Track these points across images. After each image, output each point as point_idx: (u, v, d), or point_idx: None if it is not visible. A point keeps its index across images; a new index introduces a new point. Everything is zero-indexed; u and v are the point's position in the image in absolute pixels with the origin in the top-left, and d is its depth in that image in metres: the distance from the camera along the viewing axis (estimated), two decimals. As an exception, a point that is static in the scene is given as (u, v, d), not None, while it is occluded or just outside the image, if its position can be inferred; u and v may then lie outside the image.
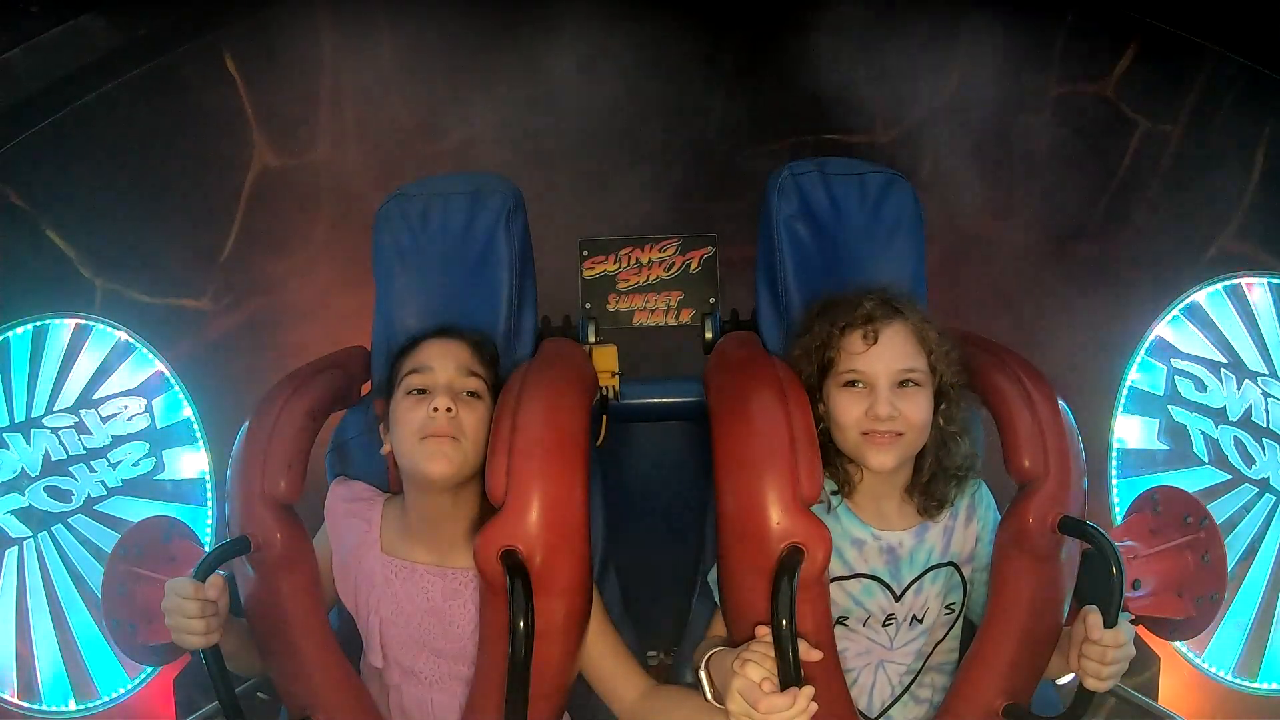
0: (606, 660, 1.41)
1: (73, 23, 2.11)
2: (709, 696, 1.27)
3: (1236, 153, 2.35)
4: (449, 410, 1.36)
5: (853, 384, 1.38)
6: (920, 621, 1.45)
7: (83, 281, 2.37)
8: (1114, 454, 2.37)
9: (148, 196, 2.43)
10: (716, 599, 1.44)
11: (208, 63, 2.48)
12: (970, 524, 1.47)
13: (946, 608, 1.47)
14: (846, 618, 1.43)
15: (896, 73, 2.61)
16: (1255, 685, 2.14)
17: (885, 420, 1.34)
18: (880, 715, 1.48)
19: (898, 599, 1.44)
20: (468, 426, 1.38)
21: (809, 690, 1.13)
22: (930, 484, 1.43)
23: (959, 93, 2.61)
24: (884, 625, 1.44)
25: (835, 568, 1.40)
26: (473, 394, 1.42)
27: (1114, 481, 2.36)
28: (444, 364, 1.42)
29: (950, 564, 1.46)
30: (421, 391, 1.40)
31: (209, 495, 2.30)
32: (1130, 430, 2.36)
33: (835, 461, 1.43)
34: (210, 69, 2.49)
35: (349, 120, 2.61)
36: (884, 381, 1.36)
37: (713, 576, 1.47)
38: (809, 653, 1.22)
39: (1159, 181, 2.49)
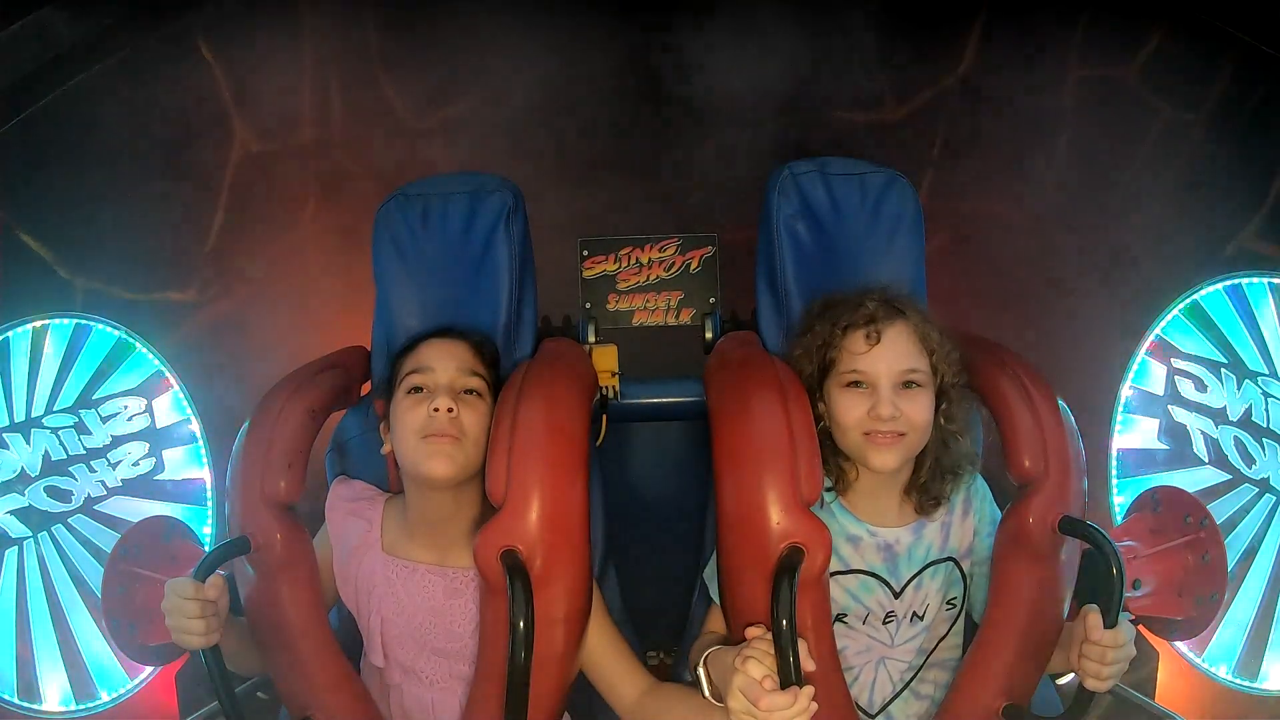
0: (607, 659, 1.41)
1: (32, 17, 2.06)
2: (707, 694, 1.27)
3: (1262, 148, 2.29)
4: (450, 411, 1.37)
5: (855, 384, 1.38)
6: (921, 618, 1.45)
7: (60, 282, 2.33)
8: (1114, 454, 2.37)
9: (124, 191, 2.38)
10: (713, 594, 1.44)
11: (180, 48, 2.41)
12: (967, 518, 1.47)
13: (947, 603, 1.47)
14: (845, 615, 1.44)
15: (907, 49, 2.53)
16: (1255, 685, 2.14)
17: (888, 421, 1.34)
18: (880, 711, 1.48)
19: (897, 596, 1.44)
20: (469, 426, 1.38)
21: (809, 689, 1.13)
22: (929, 483, 1.43)
23: (974, 71, 2.53)
24: (884, 623, 1.44)
25: (831, 563, 1.40)
26: (473, 393, 1.42)
27: (1114, 481, 2.36)
28: (444, 364, 1.42)
29: (949, 559, 1.46)
30: (421, 390, 1.40)
31: (209, 495, 2.30)
32: (1130, 430, 2.36)
33: (831, 459, 1.43)
34: (183, 55, 2.42)
35: (333, 100, 2.53)
36: (886, 382, 1.36)
37: (708, 572, 1.47)
38: (806, 662, 1.21)
39: (1179, 172, 2.42)
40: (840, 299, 1.45)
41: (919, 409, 1.36)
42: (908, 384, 1.37)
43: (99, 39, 2.29)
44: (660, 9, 2.53)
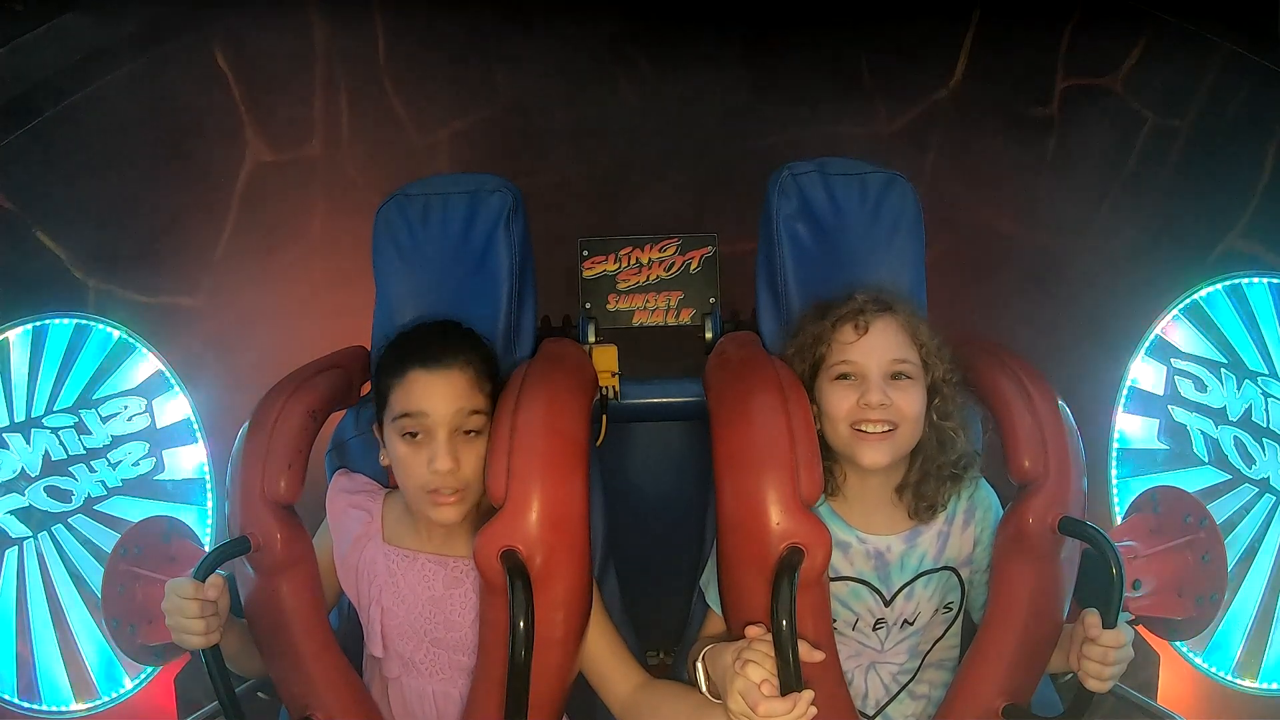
0: (602, 653, 1.41)
1: (56, 21, 2.09)
2: (704, 690, 1.27)
3: (1246, 151, 2.32)
4: (451, 467, 1.33)
5: (845, 376, 1.38)
6: (911, 624, 1.45)
7: (75, 282, 2.36)
8: (1114, 454, 2.37)
9: (139, 195, 2.41)
10: (710, 601, 1.44)
11: (197, 59, 2.46)
12: (968, 528, 1.46)
13: (945, 607, 1.46)
14: (835, 620, 1.42)
15: (901, 63, 2.58)
16: (1255, 685, 2.14)
17: (877, 408, 1.33)
18: (878, 714, 1.48)
19: (887, 604, 1.43)
20: (470, 472, 1.36)
21: (809, 694, 1.13)
22: (921, 484, 1.41)
23: (964, 83, 2.58)
24: (874, 629, 1.44)
25: None
26: (473, 431, 1.37)
27: (1114, 481, 2.36)
28: (440, 409, 1.34)
29: (945, 568, 1.45)
30: (417, 434, 1.35)
31: (209, 495, 2.30)
32: (1130, 430, 2.36)
33: (822, 462, 1.42)
34: (199, 65, 2.46)
35: (343, 113, 2.58)
36: (876, 372, 1.36)
37: (704, 579, 1.47)
38: (810, 653, 1.22)
39: (1166, 178, 2.47)
40: (830, 302, 1.45)
41: (909, 400, 1.36)
42: (897, 375, 1.37)
43: (120, 46, 2.33)
44: (662, 19, 2.55)
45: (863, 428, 1.35)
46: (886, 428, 1.35)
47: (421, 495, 1.36)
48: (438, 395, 1.35)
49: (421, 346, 1.40)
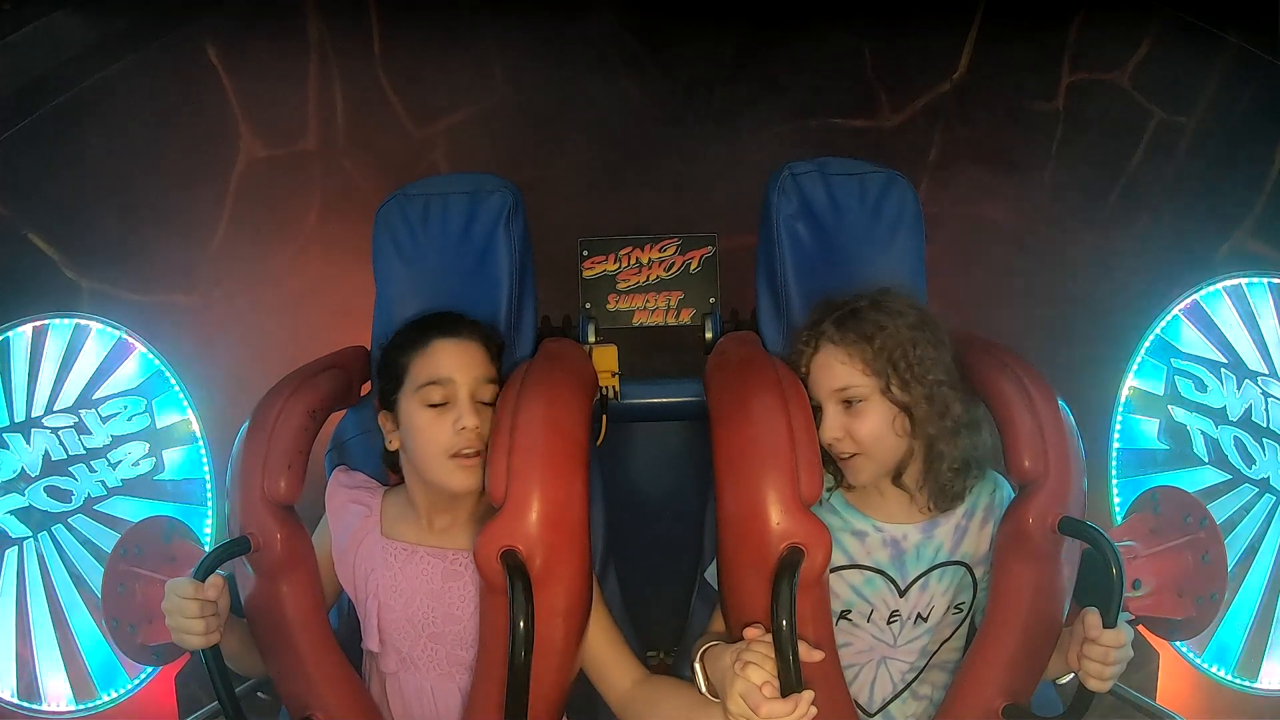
0: (602, 647, 1.42)
1: (45, 20, 2.08)
2: (702, 689, 1.28)
3: (1254, 149, 2.32)
4: (478, 423, 1.37)
5: (816, 407, 1.40)
6: (924, 620, 1.45)
7: (67, 283, 2.36)
8: (1114, 454, 2.37)
9: (131, 194, 2.41)
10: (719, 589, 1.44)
11: (188, 55, 2.45)
12: (986, 526, 1.45)
13: (955, 607, 1.46)
14: (849, 611, 1.44)
15: (904, 56, 2.57)
16: (1255, 685, 2.14)
17: (832, 444, 1.37)
18: (879, 711, 1.48)
19: (902, 594, 1.43)
20: (487, 435, 1.38)
21: (809, 695, 1.13)
22: (937, 479, 1.41)
23: (968, 77, 2.58)
24: (889, 622, 1.44)
25: (836, 558, 1.41)
26: (488, 403, 1.42)
27: (1114, 481, 2.36)
28: (464, 375, 1.40)
29: (960, 564, 1.45)
30: (443, 404, 1.39)
31: (209, 495, 2.30)
32: (1130, 430, 2.36)
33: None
34: (191, 61, 2.45)
35: (338, 108, 2.57)
36: (830, 405, 1.38)
37: (710, 573, 1.47)
38: (810, 654, 1.22)
39: (1172, 175, 2.46)
40: (826, 305, 1.45)
41: (863, 425, 1.36)
42: (846, 401, 1.38)
43: (110, 43, 2.32)
44: (661, 17, 2.54)
45: (837, 454, 1.39)
46: (850, 454, 1.38)
47: (443, 462, 1.38)
48: (461, 361, 1.41)
49: (441, 321, 1.47)
